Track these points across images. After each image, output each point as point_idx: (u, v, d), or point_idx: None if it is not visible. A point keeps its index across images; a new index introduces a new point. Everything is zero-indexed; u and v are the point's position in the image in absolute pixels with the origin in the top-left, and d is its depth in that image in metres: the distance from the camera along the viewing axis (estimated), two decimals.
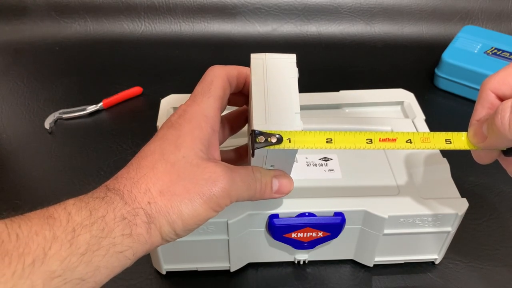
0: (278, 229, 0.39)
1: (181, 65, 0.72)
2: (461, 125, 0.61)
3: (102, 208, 0.25)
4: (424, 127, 0.47)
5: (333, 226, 0.39)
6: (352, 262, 0.44)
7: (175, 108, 0.45)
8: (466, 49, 0.66)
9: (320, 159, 0.43)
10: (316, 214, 0.39)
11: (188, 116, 0.30)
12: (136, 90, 0.65)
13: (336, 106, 0.50)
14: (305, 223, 0.39)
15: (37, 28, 0.77)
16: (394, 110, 0.51)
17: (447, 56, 0.65)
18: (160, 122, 0.46)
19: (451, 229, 0.40)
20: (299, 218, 0.39)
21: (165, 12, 0.78)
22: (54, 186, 0.52)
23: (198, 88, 0.32)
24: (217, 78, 0.32)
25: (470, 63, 0.64)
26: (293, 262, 0.44)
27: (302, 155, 0.44)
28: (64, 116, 0.61)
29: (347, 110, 0.50)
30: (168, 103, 0.48)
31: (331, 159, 0.43)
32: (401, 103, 0.51)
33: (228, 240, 0.39)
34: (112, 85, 0.67)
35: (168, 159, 0.28)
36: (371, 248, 0.42)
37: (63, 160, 0.55)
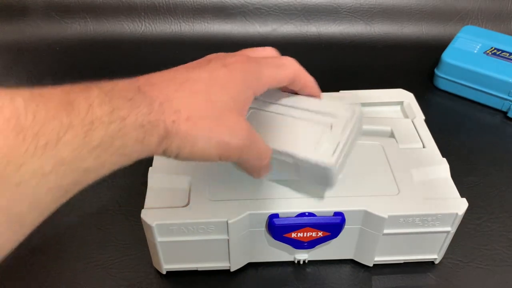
0: (278, 229, 0.39)
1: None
2: (460, 125, 0.62)
3: (125, 109, 0.25)
4: (423, 127, 0.47)
5: (333, 226, 0.39)
6: (352, 262, 0.44)
7: None
8: (465, 49, 0.66)
9: None
10: (316, 214, 0.39)
11: (245, 67, 0.31)
12: None
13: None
14: (305, 223, 0.39)
15: (37, 28, 0.77)
16: (394, 110, 0.51)
17: (447, 56, 0.65)
18: None
19: (450, 229, 0.40)
20: (299, 218, 0.39)
21: (165, 12, 0.78)
22: None
23: (270, 59, 0.34)
24: (288, 70, 0.34)
25: (470, 63, 0.64)
26: (293, 262, 0.44)
27: None
28: None
29: None
30: None
31: None
32: (400, 103, 0.51)
33: (228, 240, 0.39)
34: None
35: (210, 94, 0.29)
36: (371, 248, 0.42)
37: None
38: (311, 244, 0.41)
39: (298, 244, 0.41)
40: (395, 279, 0.43)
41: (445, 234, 0.41)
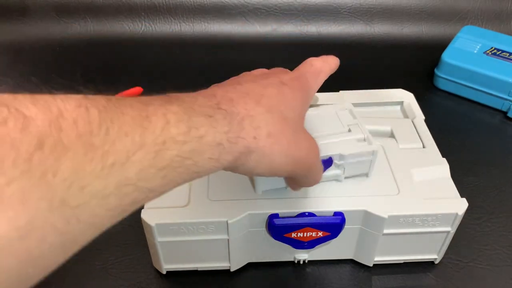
0: (278, 229, 0.39)
1: (181, 65, 0.72)
2: (460, 126, 0.62)
3: (203, 128, 0.24)
4: (423, 127, 0.47)
5: (333, 226, 0.39)
6: (352, 261, 0.44)
7: None
8: (465, 49, 0.66)
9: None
10: (316, 214, 0.39)
11: (300, 84, 0.32)
12: (136, 90, 0.65)
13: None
14: (305, 223, 0.39)
15: (37, 28, 0.77)
16: (393, 110, 0.51)
17: (447, 56, 0.65)
18: None
19: (450, 229, 0.40)
20: (299, 218, 0.39)
21: (165, 12, 0.78)
22: None
23: (309, 70, 0.35)
24: (322, 74, 0.36)
25: (470, 63, 0.64)
26: (293, 262, 0.44)
27: None
28: None
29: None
30: None
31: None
32: (400, 103, 0.51)
33: (228, 240, 0.39)
34: (112, 85, 0.67)
35: (282, 112, 0.29)
36: (371, 248, 0.42)
37: None
38: (311, 244, 0.41)
39: (298, 244, 0.41)
40: (395, 279, 0.43)
41: (445, 234, 0.41)
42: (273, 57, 0.72)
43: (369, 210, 0.39)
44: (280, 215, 0.38)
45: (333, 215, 0.39)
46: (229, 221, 0.38)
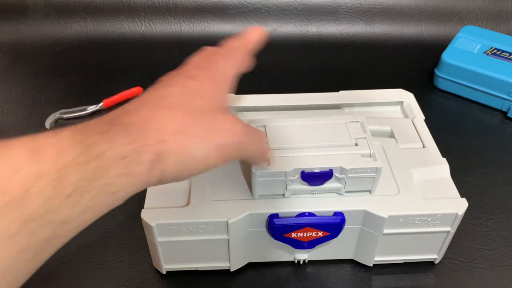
0: (278, 229, 0.39)
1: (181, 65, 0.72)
2: (460, 126, 0.62)
3: (101, 144, 0.23)
4: (423, 127, 0.47)
5: (332, 226, 0.39)
6: (352, 261, 0.44)
7: None
8: (465, 49, 0.66)
9: None
10: (316, 214, 0.39)
11: (208, 72, 0.31)
12: (136, 90, 0.65)
13: (336, 106, 0.50)
14: (305, 223, 0.39)
15: (37, 28, 0.77)
16: (393, 110, 0.51)
17: (447, 56, 0.65)
18: None
19: (450, 229, 0.40)
20: (299, 218, 0.39)
21: (165, 12, 0.78)
22: None
23: (219, 53, 0.34)
24: (237, 53, 0.35)
25: (470, 63, 0.64)
26: (293, 262, 0.44)
27: None
28: (65, 116, 0.61)
29: (346, 110, 0.50)
30: None
31: None
32: (400, 103, 0.51)
33: (228, 240, 0.39)
34: (112, 85, 0.67)
35: (189, 104, 0.28)
36: (371, 248, 0.42)
37: None
38: (311, 244, 0.41)
39: (298, 244, 0.41)
40: (395, 279, 0.43)
41: (445, 234, 0.41)
42: (273, 57, 0.72)
43: (369, 210, 0.39)
44: (280, 215, 0.38)
45: (333, 215, 0.39)
46: (229, 221, 0.38)
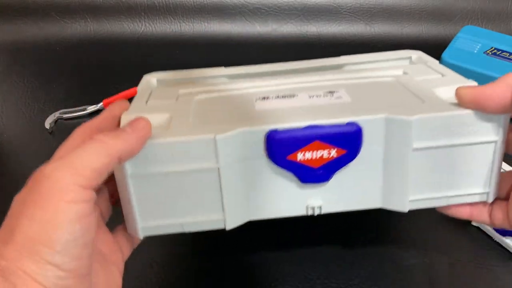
0: (279, 146, 0.30)
1: (181, 65, 0.72)
2: None
3: None
4: (439, 66, 0.40)
5: (347, 137, 0.30)
6: (377, 217, 0.39)
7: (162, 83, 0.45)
8: (466, 49, 0.66)
9: (323, 92, 0.36)
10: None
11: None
12: (136, 90, 0.65)
13: (337, 67, 0.45)
14: (313, 135, 0.30)
15: (37, 28, 0.77)
16: (402, 64, 0.45)
17: (447, 56, 0.65)
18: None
19: (497, 137, 0.31)
20: (306, 129, 0.30)
21: (165, 12, 0.78)
22: None
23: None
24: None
25: (470, 63, 0.64)
26: (304, 219, 0.34)
27: (304, 93, 0.36)
28: (65, 116, 0.61)
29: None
30: (150, 81, 0.46)
31: (336, 91, 0.36)
32: (409, 58, 0.45)
33: (218, 169, 0.30)
34: (112, 85, 0.67)
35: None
36: (401, 177, 0.32)
37: None
38: (325, 171, 0.31)
39: (308, 173, 0.31)
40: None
41: (492, 148, 0.32)
42: (273, 57, 0.72)
43: (391, 116, 0.30)
44: (280, 130, 0.31)
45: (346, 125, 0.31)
46: (217, 137, 0.29)
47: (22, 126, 0.60)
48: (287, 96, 0.36)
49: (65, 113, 0.62)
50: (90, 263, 0.25)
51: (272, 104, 0.34)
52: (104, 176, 0.25)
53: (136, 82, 0.67)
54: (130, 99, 0.38)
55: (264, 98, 0.36)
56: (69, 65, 0.72)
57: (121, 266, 0.32)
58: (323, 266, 0.44)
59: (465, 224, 0.46)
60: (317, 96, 0.35)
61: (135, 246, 0.35)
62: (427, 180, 0.32)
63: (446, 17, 0.78)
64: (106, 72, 0.71)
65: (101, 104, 0.63)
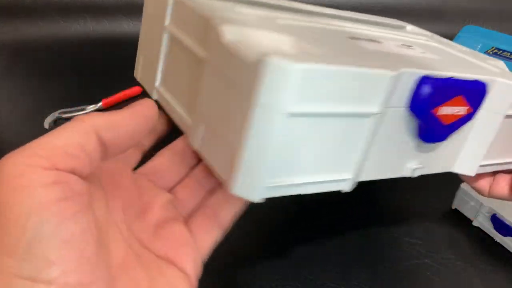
0: (430, 96, 0.25)
1: None
2: None
3: None
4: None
5: (479, 96, 0.28)
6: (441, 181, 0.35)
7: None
8: None
9: (401, 44, 0.32)
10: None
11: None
12: (136, 90, 0.65)
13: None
14: (462, 89, 0.27)
15: (37, 28, 0.77)
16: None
17: None
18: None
19: None
20: (457, 81, 0.27)
21: None
22: None
23: None
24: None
25: None
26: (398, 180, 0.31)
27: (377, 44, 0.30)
28: (64, 115, 0.61)
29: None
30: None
31: (411, 46, 0.33)
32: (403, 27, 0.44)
33: (378, 116, 0.24)
34: (112, 85, 0.67)
35: None
36: (483, 142, 0.31)
37: None
38: (448, 130, 0.28)
39: (438, 129, 0.28)
40: None
41: None
42: None
43: (503, 80, 0.29)
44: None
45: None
46: (391, 74, 0.23)
47: (22, 126, 0.60)
48: (375, 41, 0.30)
49: (64, 112, 0.62)
50: (92, 269, 0.18)
51: (375, 47, 0.29)
52: (82, 155, 0.20)
53: (135, 82, 0.67)
54: (130, 99, 0.38)
55: (353, 38, 0.30)
56: (69, 65, 0.72)
57: (198, 267, 0.25)
58: (322, 266, 0.44)
59: (465, 224, 0.46)
60: (403, 47, 0.31)
61: (219, 238, 0.28)
62: (500, 146, 0.31)
63: (446, 17, 0.78)
64: (106, 72, 0.70)
65: (100, 104, 0.63)
